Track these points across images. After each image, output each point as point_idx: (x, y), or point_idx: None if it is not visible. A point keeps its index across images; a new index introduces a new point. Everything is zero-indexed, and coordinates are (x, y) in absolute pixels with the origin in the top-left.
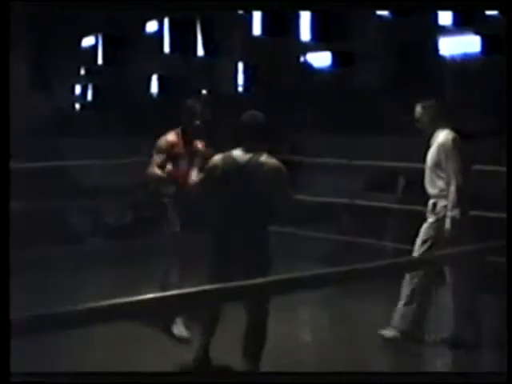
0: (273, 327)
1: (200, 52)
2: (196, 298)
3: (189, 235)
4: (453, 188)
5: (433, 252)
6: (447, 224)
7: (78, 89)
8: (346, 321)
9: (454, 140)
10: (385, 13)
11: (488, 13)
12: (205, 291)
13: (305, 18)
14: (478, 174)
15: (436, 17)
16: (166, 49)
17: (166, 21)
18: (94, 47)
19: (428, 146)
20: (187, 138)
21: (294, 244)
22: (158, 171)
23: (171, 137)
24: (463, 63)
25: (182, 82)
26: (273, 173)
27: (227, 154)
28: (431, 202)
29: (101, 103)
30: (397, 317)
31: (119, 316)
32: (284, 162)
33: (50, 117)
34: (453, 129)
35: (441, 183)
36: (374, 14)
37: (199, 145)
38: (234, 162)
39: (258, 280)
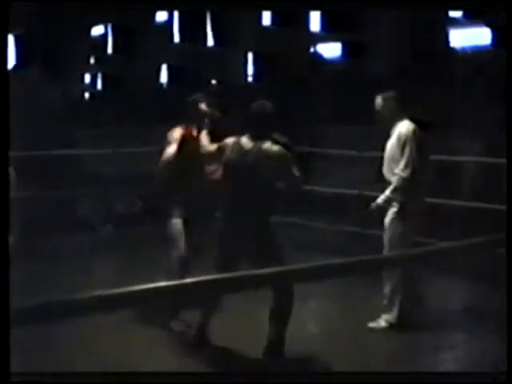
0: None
1: (210, 42)
2: (212, 285)
3: (199, 226)
4: (401, 174)
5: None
6: (379, 199)
7: (87, 78)
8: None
9: (413, 131)
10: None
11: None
12: (221, 279)
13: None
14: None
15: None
16: (176, 38)
17: (176, 10)
18: (104, 36)
19: (387, 137)
20: (194, 133)
21: (303, 235)
22: (171, 155)
23: (179, 131)
24: (472, 55)
25: (192, 72)
26: (277, 159)
27: (235, 141)
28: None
29: (110, 92)
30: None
31: (131, 303)
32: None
33: (60, 106)
34: (411, 119)
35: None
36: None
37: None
38: (239, 148)
39: (273, 269)
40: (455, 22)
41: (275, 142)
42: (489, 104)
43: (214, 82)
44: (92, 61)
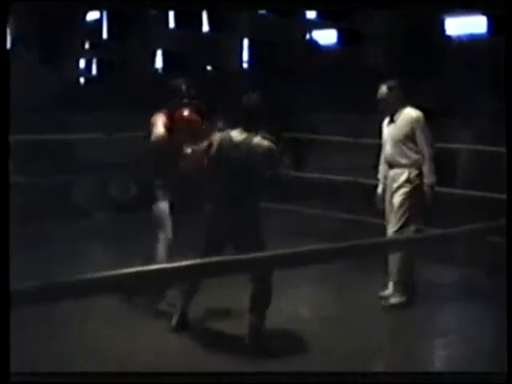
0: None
1: (205, 28)
2: (198, 270)
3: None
4: (428, 157)
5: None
6: (426, 189)
7: (82, 63)
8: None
9: (423, 116)
10: None
11: None
12: (207, 264)
13: None
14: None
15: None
16: (172, 24)
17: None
18: (99, 22)
19: (390, 122)
20: (176, 118)
21: (298, 222)
22: (165, 135)
23: (162, 115)
24: (467, 44)
25: (187, 58)
26: (264, 153)
27: (226, 133)
28: (393, 172)
29: (105, 77)
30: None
31: (121, 287)
32: (290, 139)
33: (55, 91)
34: (414, 106)
35: (413, 154)
36: None
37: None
38: (229, 140)
39: (261, 254)
40: (452, 11)
41: (264, 136)
42: (484, 93)
43: (209, 67)
44: (87, 46)
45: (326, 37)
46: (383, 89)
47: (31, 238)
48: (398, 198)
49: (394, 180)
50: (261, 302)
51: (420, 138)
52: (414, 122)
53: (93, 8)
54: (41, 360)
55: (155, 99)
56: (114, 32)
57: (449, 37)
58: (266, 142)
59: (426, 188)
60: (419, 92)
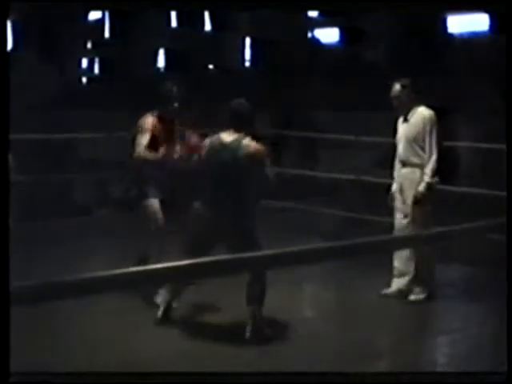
0: None
1: (207, 26)
2: (197, 269)
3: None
4: (434, 158)
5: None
6: (421, 187)
7: (84, 62)
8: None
9: (435, 116)
10: None
11: None
12: (205, 263)
13: None
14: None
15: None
16: (174, 23)
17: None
18: (101, 21)
19: (404, 121)
20: (165, 121)
21: (301, 220)
22: (148, 154)
23: (151, 119)
24: (469, 41)
25: (189, 57)
26: (253, 155)
27: (216, 135)
28: (404, 170)
29: (107, 77)
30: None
31: (123, 286)
32: (287, 137)
33: (58, 90)
34: (427, 105)
35: (423, 154)
36: None
37: (179, 127)
38: (219, 143)
39: (259, 253)
40: (454, 9)
41: (254, 137)
42: (486, 91)
43: (210, 66)
44: (89, 45)
45: (329, 35)
46: (397, 87)
47: (26, 236)
48: (412, 197)
49: (406, 178)
50: (257, 292)
51: (429, 137)
52: (427, 121)
53: (94, 7)
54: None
55: (158, 98)
56: (115, 31)
57: (451, 34)
58: (254, 144)
59: (422, 186)
60: (422, 90)
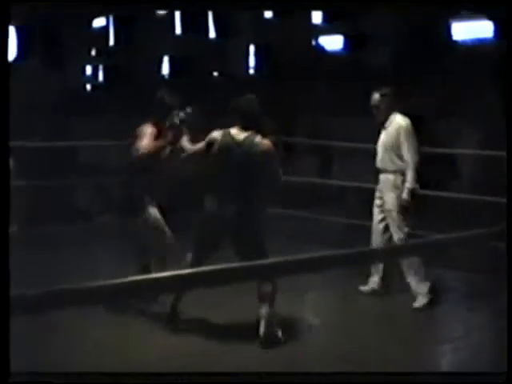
0: None
1: (212, 33)
2: (210, 276)
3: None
4: (412, 165)
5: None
6: (405, 194)
7: (88, 70)
8: None
9: (411, 124)
10: None
11: None
12: (217, 271)
13: None
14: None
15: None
16: (178, 30)
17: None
18: (105, 28)
19: (379, 129)
20: (162, 127)
21: (304, 227)
22: (149, 146)
23: (149, 127)
24: (474, 48)
25: (194, 63)
26: (265, 153)
27: (226, 131)
28: (383, 176)
29: (112, 84)
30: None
31: (127, 294)
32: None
33: (62, 97)
34: (404, 113)
35: (399, 161)
36: None
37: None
38: (232, 139)
39: (274, 260)
40: (457, 15)
41: (263, 135)
42: (489, 95)
43: (215, 73)
44: (93, 52)
45: (333, 42)
46: (376, 96)
47: (29, 241)
48: (389, 201)
49: (383, 184)
50: (268, 289)
51: (405, 145)
52: (402, 129)
53: (93, 12)
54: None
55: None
56: (120, 38)
57: (455, 41)
58: (267, 141)
59: (405, 193)
60: (417, 97)
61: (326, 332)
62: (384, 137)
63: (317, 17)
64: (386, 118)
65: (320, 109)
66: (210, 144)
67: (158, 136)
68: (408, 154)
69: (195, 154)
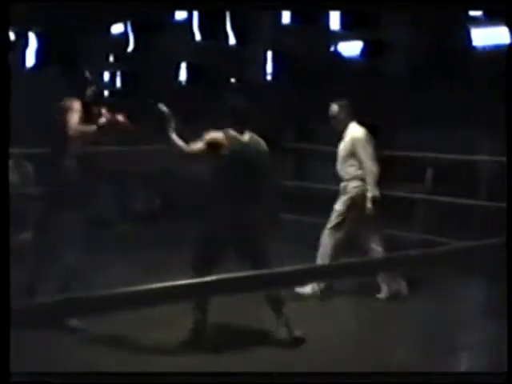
0: None
1: (229, 40)
2: (229, 284)
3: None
4: (368, 172)
5: (346, 225)
6: (368, 203)
7: (106, 76)
8: None
9: (365, 133)
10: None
11: None
12: (238, 278)
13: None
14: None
15: (467, 7)
16: (196, 36)
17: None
18: (124, 34)
19: (339, 139)
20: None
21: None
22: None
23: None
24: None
25: (211, 70)
26: (267, 151)
27: (226, 132)
28: (343, 184)
29: (129, 90)
30: None
31: (162, 300)
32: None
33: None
34: (359, 122)
35: (352, 169)
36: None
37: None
38: (237, 140)
39: (289, 268)
40: (475, 21)
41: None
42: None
43: (233, 80)
44: (111, 59)
45: (351, 48)
46: (334, 107)
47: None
48: (336, 206)
49: (341, 191)
50: (280, 296)
51: (360, 153)
52: (355, 139)
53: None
54: None
55: (179, 111)
56: (138, 45)
57: (474, 47)
58: (263, 141)
59: (368, 200)
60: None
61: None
62: (341, 146)
63: (335, 23)
64: (345, 128)
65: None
66: (212, 145)
67: (85, 115)
68: (365, 161)
69: (194, 154)
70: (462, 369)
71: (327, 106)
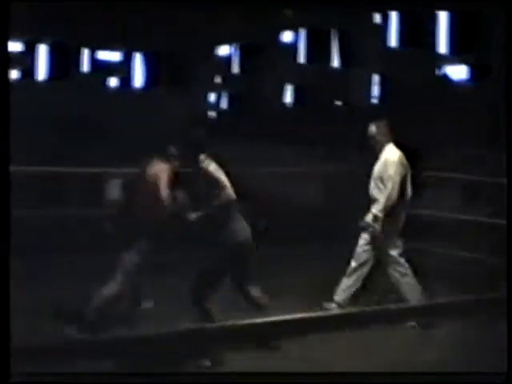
0: None
1: (335, 62)
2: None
3: None
4: (386, 193)
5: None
6: (368, 217)
7: (212, 97)
8: None
9: (399, 156)
10: None
11: None
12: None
13: (442, 29)
14: None
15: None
16: (302, 58)
17: (303, 30)
18: (230, 56)
19: (375, 160)
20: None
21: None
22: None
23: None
24: None
25: (316, 92)
26: None
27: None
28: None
29: (235, 111)
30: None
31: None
32: None
33: (187, 123)
34: (396, 144)
35: (377, 192)
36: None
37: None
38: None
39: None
40: None
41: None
42: None
43: (338, 102)
44: (218, 80)
45: (457, 72)
46: (372, 128)
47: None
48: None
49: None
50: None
51: (386, 175)
52: (389, 161)
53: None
54: None
55: (283, 133)
56: (244, 66)
57: None
58: None
59: (369, 215)
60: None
61: None
62: (376, 167)
63: (442, 47)
64: (381, 149)
65: (447, 140)
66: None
67: (173, 181)
68: (387, 184)
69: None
70: None
71: (435, 131)
